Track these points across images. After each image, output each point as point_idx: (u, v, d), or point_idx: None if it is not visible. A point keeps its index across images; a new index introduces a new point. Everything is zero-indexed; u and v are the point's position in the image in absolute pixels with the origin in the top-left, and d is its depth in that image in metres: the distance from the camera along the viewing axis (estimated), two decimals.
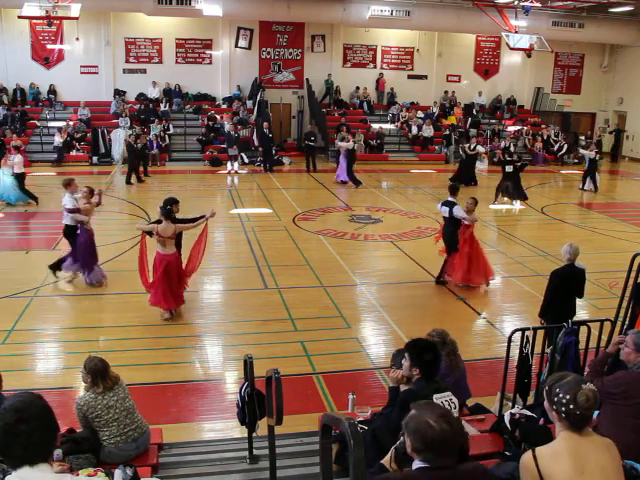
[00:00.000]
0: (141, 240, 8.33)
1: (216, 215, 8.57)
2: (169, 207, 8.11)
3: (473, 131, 24.42)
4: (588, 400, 2.64)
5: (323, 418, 3.38)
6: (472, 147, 18.82)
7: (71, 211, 9.12)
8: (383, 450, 3.38)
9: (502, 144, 21.93)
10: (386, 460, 3.15)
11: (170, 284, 7.98)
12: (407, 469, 2.53)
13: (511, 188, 15.89)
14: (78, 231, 9.22)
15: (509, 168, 15.83)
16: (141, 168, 18.79)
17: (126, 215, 13.97)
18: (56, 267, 9.36)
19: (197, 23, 23.22)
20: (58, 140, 20.30)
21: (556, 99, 27.34)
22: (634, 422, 3.52)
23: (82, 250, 9.14)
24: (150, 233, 8.08)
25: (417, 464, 2.46)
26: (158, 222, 8.04)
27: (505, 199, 16.12)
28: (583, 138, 25.77)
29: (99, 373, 4.27)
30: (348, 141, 18.88)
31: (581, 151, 18.88)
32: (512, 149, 23.65)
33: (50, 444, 2.16)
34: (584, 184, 18.51)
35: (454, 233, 9.37)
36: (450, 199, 9.35)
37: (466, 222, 9.23)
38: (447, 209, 9.26)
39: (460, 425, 2.49)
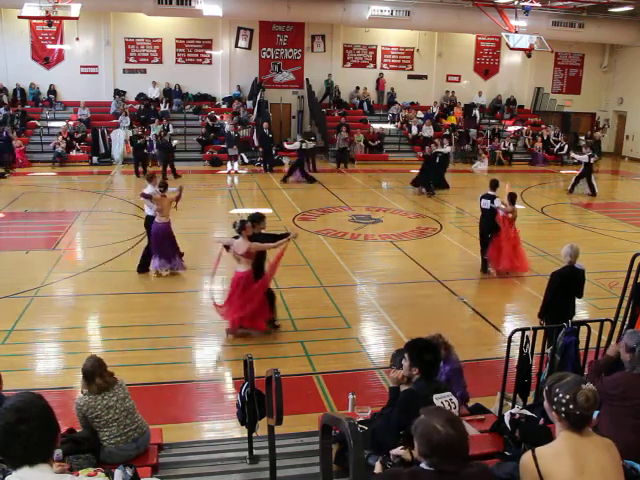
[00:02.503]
0: (219, 254, 7.79)
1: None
2: (249, 224, 7.46)
3: (473, 131, 24.45)
4: (588, 400, 2.63)
5: (323, 418, 3.39)
6: (442, 146, 18.44)
7: (144, 195, 9.72)
8: (382, 450, 3.39)
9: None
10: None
11: (241, 302, 7.46)
12: (414, 466, 2.56)
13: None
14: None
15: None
16: (140, 168, 18.82)
17: (126, 215, 13.94)
18: (143, 268, 9.88)
19: (197, 23, 23.22)
20: (57, 147, 20.36)
21: (556, 99, 27.34)
22: (634, 422, 3.52)
23: (152, 240, 9.74)
24: (228, 247, 7.59)
25: (423, 467, 2.48)
26: (237, 237, 7.55)
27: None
28: (583, 138, 25.78)
29: (86, 375, 4.27)
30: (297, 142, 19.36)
31: (573, 155, 18.83)
32: (512, 149, 23.82)
33: (50, 444, 2.16)
34: (574, 187, 17.85)
35: (492, 224, 10.03)
36: (490, 192, 10.01)
37: (501, 212, 9.97)
38: (488, 202, 9.98)
39: (465, 430, 2.50)
